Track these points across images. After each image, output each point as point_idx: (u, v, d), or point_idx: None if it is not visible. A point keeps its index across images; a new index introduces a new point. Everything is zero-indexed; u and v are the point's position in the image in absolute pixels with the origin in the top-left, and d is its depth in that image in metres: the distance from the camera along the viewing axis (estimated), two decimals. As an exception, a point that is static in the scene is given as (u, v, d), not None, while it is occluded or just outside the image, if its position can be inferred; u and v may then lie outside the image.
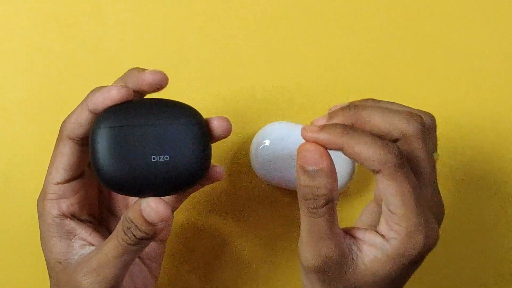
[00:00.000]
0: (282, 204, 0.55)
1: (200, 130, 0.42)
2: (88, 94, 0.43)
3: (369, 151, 0.40)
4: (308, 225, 0.41)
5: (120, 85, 0.42)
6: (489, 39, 0.56)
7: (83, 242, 0.44)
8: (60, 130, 0.45)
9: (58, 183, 0.44)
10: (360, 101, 0.44)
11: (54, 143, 0.54)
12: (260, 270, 0.55)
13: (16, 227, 0.54)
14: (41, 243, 0.45)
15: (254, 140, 0.53)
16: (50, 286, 0.46)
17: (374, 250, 0.41)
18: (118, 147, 0.41)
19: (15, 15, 0.55)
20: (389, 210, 0.40)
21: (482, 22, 0.56)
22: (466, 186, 0.56)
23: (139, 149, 0.41)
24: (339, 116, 0.42)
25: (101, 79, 0.55)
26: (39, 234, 0.46)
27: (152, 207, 0.41)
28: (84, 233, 0.45)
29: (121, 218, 0.42)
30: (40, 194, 0.45)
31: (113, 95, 0.42)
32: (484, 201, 0.56)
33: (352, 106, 0.42)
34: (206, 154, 0.42)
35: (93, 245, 0.45)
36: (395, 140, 0.42)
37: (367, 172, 0.56)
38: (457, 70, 0.56)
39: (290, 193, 0.55)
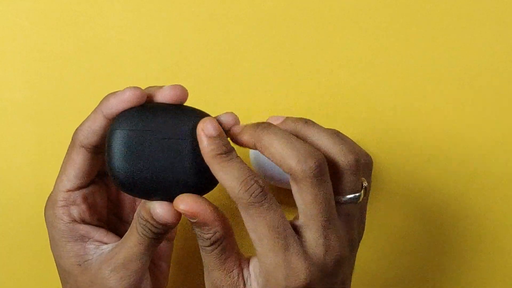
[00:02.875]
0: (281, 203, 0.55)
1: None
2: (101, 101, 0.44)
3: (228, 182, 0.40)
4: (203, 258, 0.42)
5: (134, 87, 0.42)
6: (489, 40, 0.56)
7: (98, 244, 0.45)
8: (72, 138, 0.45)
9: (68, 190, 0.45)
10: (292, 120, 0.44)
11: (54, 143, 0.54)
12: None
13: (15, 227, 0.54)
14: (53, 249, 0.46)
15: (254, 140, 0.53)
16: None
17: (255, 283, 0.42)
18: (131, 151, 0.41)
19: (15, 15, 0.55)
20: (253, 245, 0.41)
21: (482, 23, 0.56)
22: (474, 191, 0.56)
23: (150, 154, 0.41)
24: (246, 134, 0.42)
25: (101, 79, 0.55)
26: (49, 241, 0.46)
27: (159, 212, 0.42)
28: (98, 235, 0.45)
29: (136, 214, 0.43)
30: (48, 202, 0.46)
31: (127, 97, 0.42)
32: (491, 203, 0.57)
33: (262, 126, 0.42)
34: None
35: (107, 243, 0.45)
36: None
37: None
38: (457, 71, 0.56)
39: (289, 193, 0.55)
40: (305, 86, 0.55)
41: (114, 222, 0.48)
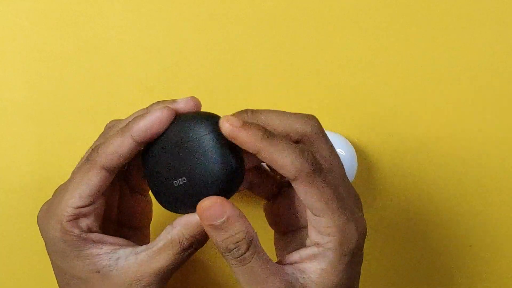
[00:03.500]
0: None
1: (219, 139, 0.40)
2: (130, 124, 0.42)
3: (287, 159, 0.39)
4: (243, 275, 0.40)
5: (163, 107, 0.41)
6: (489, 40, 0.56)
7: (113, 247, 0.44)
8: (91, 157, 0.43)
9: (78, 207, 0.43)
10: (238, 113, 0.44)
11: (54, 143, 0.54)
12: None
13: (15, 228, 0.54)
14: (60, 262, 0.44)
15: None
16: None
17: (316, 263, 0.41)
18: (157, 171, 0.41)
19: (15, 15, 0.55)
20: (316, 215, 0.40)
21: (482, 23, 0.56)
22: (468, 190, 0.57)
23: (166, 173, 0.41)
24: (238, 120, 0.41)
25: (101, 79, 0.55)
26: (54, 255, 0.44)
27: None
28: (111, 239, 0.44)
29: (173, 236, 0.42)
30: (52, 216, 0.44)
31: (158, 120, 0.41)
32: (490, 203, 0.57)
33: (249, 111, 0.42)
34: (231, 163, 0.40)
35: (123, 246, 0.44)
36: (296, 142, 0.42)
37: (367, 171, 0.56)
38: (458, 71, 0.56)
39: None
40: (305, 86, 0.55)
41: (107, 227, 0.48)
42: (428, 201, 0.56)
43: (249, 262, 0.40)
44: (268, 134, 0.40)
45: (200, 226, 0.41)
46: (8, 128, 0.54)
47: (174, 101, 0.43)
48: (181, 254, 0.42)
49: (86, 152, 0.45)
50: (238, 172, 0.41)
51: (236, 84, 0.55)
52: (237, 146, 0.40)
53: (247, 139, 0.39)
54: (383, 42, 0.56)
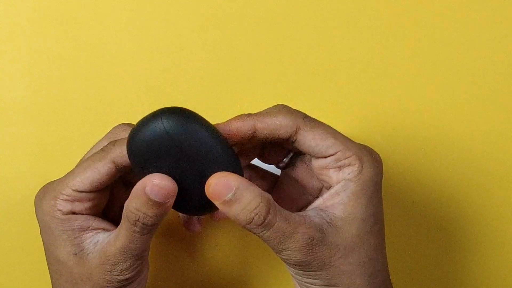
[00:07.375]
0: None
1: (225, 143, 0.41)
2: None
3: (281, 118, 0.41)
4: (272, 238, 0.40)
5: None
6: (489, 40, 0.56)
7: (95, 232, 0.44)
8: (107, 148, 0.44)
9: (77, 191, 0.44)
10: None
11: (54, 143, 0.54)
12: (258, 270, 0.55)
13: (15, 227, 0.54)
14: (46, 238, 0.45)
15: (254, 140, 0.53)
16: (56, 285, 0.45)
17: (338, 198, 0.40)
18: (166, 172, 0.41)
19: (15, 15, 0.55)
20: (330, 155, 0.40)
21: (482, 23, 0.56)
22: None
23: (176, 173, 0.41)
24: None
25: (101, 79, 0.55)
26: (41, 230, 0.45)
27: (156, 183, 0.40)
28: (95, 223, 0.44)
29: (124, 212, 0.42)
30: (48, 191, 0.45)
31: None
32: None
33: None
34: (236, 165, 0.41)
35: (105, 230, 0.44)
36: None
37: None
38: (458, 71, 0.56)
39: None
40: (305, 86, 0.56)
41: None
42: (431, 201, 0.56)
43: (275, 223, 0.39)
44: (252, 113, 0.41)
45: (147, 200, 0.40)
46: (8, 128, 0.54)
47: None
48: (136, 231, 0.42)
49: (90, 149, 0.46)
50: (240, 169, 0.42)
51: (236, 84, 0.55)
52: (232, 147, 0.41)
53: (240, 124, 0.41)
54: (383, 42, 0.56)
